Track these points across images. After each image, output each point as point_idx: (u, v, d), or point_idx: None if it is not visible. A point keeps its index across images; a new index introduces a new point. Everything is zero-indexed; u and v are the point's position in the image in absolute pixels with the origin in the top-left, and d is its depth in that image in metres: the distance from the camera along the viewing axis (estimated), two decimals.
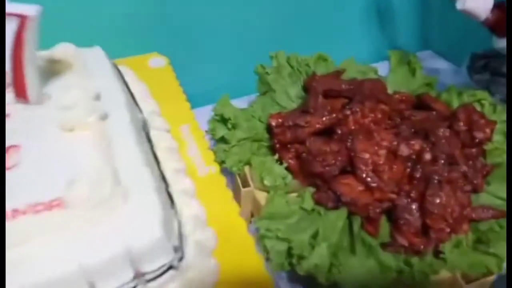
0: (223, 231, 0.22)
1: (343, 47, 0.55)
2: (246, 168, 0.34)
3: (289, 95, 0.43)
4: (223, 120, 0.36)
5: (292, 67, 0.44)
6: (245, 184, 0.34)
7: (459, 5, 0.36)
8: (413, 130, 0.36)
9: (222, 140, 0.36)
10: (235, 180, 0.34)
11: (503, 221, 0.29)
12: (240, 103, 0.42)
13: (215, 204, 0.24)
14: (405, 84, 0.44)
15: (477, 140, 0.34)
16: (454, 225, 0.29)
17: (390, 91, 0.43)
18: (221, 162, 0.34)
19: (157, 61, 0.36)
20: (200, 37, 0.48)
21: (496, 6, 0.37)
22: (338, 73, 0.44)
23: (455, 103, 0.40)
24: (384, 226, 0.32)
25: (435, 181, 0.30)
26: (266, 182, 0.32)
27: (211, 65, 0.50)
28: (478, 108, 0.38)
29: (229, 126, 0.36)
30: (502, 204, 0.32)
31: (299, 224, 0.29)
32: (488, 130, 0.34)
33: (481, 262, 0.27)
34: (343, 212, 0.31)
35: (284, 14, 0.52)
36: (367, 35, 0.59)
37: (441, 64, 0.61)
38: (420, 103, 0.40)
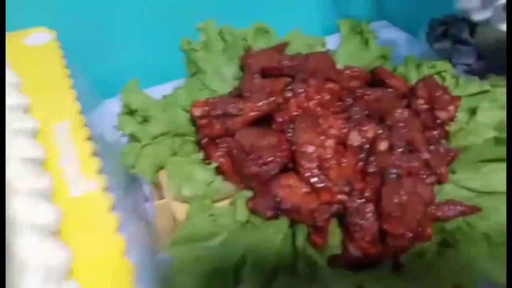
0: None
1: (289, 17, 0.48)
2: (162, 174, 0.27)
3: (223, 76, 0.36)
4: (133, 112, 0.28)
5: (225, 41, 0.37)
6: (162, 194, 0.27)
7: None
8: (367, 112, 0.30)
9: (133, 138, 0.28)
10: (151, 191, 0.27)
11: (473, 219, 0.25)
12: (168, 89, 0.34)
13: (88, 241, 0.17)
14: (358, 58, 0.38)
15: (439, 121, 0.29)
16: (417, 229, 0.24)
17: (340, 66, 0.36)
18: (131, 168, 0.27)
19: (39, 37, 0.27)
20: (109, 7, 0.39)
21: None
22: (280, 47, 0.37)
23: (414, 77, 0.35)
24: (335, 233, 0.26)
25: (393, 176, 0.25)
26: (184, 191, 0.25)
27: (126, 42, 0.41)
28: (439, 81, 0.33)
29: (139, 119, 0.28)
30: (468, 196, 0.27)
31: (225, 246, 0.23)
32: (452, 108, 0.29)
33: (450, 276, 0.22)
34: (283, 222, 0.25)
35: None
36: (316, 3, 0.52)
37: (398, 35, 0.55)
38: (375, 79, 0.34)
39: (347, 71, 0.34)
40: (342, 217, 0.26)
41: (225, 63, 0.36)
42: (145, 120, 0.28)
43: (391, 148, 0.26)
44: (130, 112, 0.29)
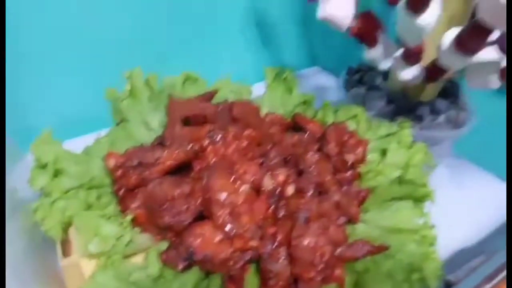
0: None
1: (223, 65, 0.50)
2: (72, 230, 0.26)
3: (149, 125, 0.36)
4: (44, 166, 0.28)
5: (152, 89, 0.37)
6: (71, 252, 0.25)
7: (319, 13, 0.33)
8: (284, 157, 0.31)
9: (44, 193, 0.27)
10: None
11: (379, 258, 0.26)
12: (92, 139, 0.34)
13: None
14: (281, 104, 0.40)
15: (349, 163, 0.30)
16: (326, 271, 0.24)
17: (265, 112, 0.38)
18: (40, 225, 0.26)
19: None
20: (34, 51, 0.39)
21: (360, 15, 0.34)
22: (209, 95, 0.39)
23: (331, 122, 0.37)
24: (253, 281, 0.26)
25: (302, 219, 0.25)
26: (91, 247, 0.24)
27: (51, 90, 0.41)
28: (354, 125, 0.36)
29: (51, 173, 0.27)
30: (380, 235, 0.28)
31: None
32: (359, 150, 0.31)
33: None
34: (194, 274, 0.24)
35: (147, 27, 0.44)
36: (252, 51, 0.55)
37: (329, 80, 0.59)
38: (295, 125, 0.36)
39: (268, 118, 0.35)
40: (258, 263, 0.26)
41: (151, 111, 0.36)
42: (57, 173, 0.27)
43: (301, 191, 0.27)
44: (42, 165, 0.28)
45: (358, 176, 0.31)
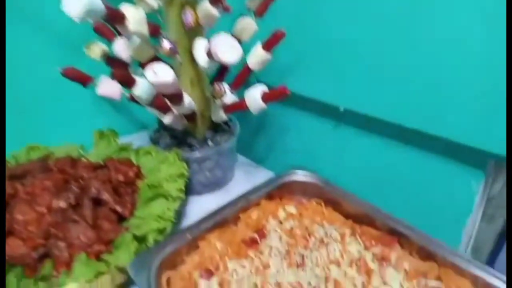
0: None
1: (66, 133, 0.65)
2: None
3: None
4: None
5: None
6: None
7: (97, 92, 0.51)
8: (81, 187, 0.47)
9: None
10: None
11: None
12: None
13: None
14: (104, 153, 0.56)
15: (123, 181, 0.47)
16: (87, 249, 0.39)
17: (93, 160, 0.54)
18: None
19: None
20: None
21: None
22: (45, 158, 0.54)
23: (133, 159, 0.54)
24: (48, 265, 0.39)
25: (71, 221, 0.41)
26: None
27: None
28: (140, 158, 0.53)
29: None
30: (141, 223, 0.44)
31: None
32: (130, 173, 0.47)
33: None
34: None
35: None
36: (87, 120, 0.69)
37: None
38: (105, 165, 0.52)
39: (81, 164, 0.51)
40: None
41: None
42: None
43: (79, 204, 0.43)
44: None
45: (137, 189, 0.48)
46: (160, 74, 0.39)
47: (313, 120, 0.60)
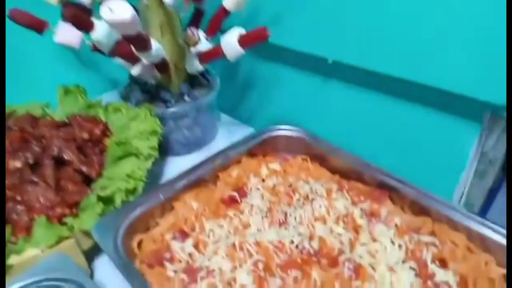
0: None
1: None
2: None
3: None
4: None
5: None
6: None
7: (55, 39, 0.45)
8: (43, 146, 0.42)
9: None
10: None
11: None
12: None
13: None
14: (71, 109, 0.51)
15: (87, 139, 0.42)
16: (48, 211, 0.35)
17: (58, 118, 0.49)
18: None
19: None
20: None
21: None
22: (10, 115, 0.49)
23: (102, 116, 0.49)
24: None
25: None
26: None
27: None
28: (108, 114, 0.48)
29: None
30: (111, 183, 0.40)
31: None
32: (96, 131, 0.43)
33: None
34: None
35: None
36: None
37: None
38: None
39: (41, 122, 0.46)
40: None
41: None
42: None
43: (39, 163, 0.38)
44: None
45: (105, 148, 0.43)
46: (116, 11, 0.34)
47: (301, 75, 0.54)
